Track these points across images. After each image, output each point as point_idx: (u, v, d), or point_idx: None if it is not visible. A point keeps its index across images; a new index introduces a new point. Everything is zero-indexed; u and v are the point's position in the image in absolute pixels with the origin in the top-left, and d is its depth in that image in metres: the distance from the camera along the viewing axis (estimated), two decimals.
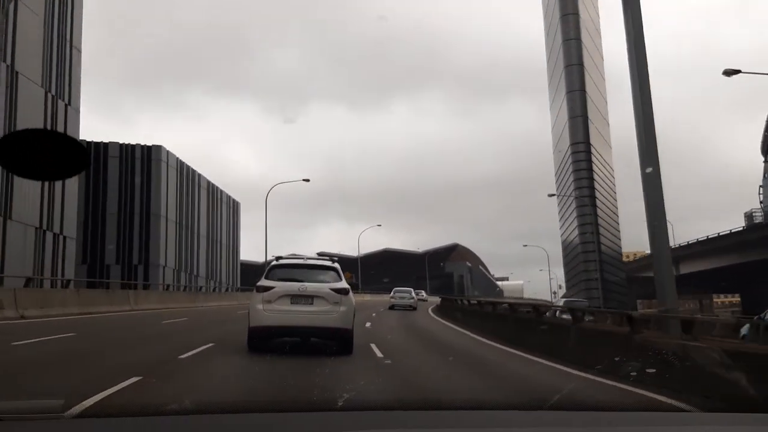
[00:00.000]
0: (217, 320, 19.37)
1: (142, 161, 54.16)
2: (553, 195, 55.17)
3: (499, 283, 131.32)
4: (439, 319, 26.46)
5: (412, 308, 36.41)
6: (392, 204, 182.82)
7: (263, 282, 10.42)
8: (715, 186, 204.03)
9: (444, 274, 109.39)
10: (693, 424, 1.62)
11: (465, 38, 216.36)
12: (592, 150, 79.43)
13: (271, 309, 10.11)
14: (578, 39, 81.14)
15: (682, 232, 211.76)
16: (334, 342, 10.26)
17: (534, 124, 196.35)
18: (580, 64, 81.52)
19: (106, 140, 53.44)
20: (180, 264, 57.81)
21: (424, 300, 51.16)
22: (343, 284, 10.55)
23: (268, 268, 10.87)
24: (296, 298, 10.18)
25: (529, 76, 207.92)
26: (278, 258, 11.15)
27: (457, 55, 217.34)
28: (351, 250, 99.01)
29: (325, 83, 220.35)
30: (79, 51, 43.24)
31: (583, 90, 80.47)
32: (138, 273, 51.64)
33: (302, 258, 11.45)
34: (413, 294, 39.45)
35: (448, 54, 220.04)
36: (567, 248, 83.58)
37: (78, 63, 42.94)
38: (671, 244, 21.72)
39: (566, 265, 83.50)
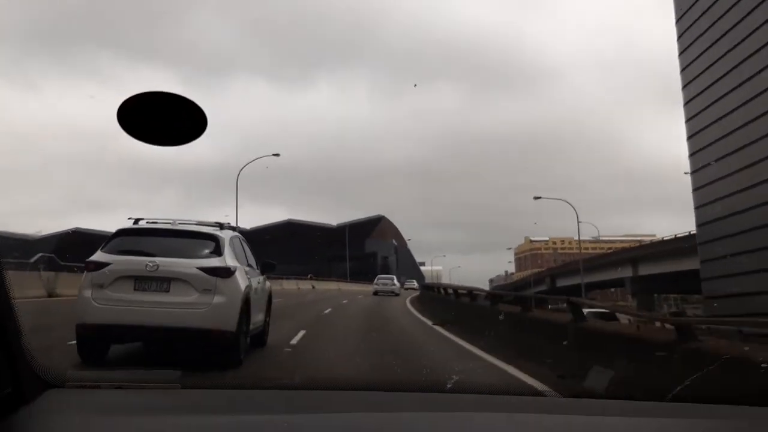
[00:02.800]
0: None
1: None
2: (539, 197, 51.38)
3: (421, 268, 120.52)
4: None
5: (395, 294, 40.44)
6: (312, 185, 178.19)
7: (96, 256, 7.62)
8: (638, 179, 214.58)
9: (365, 254, 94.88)
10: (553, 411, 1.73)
11: (393, 19, 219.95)
12: None
13: (104, 298, 7.35)
14: None
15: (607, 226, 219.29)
16: (209, 350, 7.46)
17: (457, 111, 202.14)
18: None
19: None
20: None
21: (414, 288, 51.76)
22: (224, 261, 7.64)
23: (111, 235, 8.03)
24: (143, 281, 7.43)
25: (458, 62, 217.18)
26: (136, 221, 8.23)
27: (385, 36, 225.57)
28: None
29: (248, 56, 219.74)
30: None
31: None
32: None
33: (171, 222, 8.36)
34: (395, 281, 45.75)
35: (376, 33, 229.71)
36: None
37: None
38: None
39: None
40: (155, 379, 1.79)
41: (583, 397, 2.20)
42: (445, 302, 21.11)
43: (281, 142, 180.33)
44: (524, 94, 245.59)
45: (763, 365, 4.24)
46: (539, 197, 51.55)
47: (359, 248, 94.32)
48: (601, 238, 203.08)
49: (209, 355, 7.33)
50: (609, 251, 79.38)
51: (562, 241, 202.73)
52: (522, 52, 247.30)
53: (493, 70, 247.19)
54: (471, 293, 18.28)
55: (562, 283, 70.00)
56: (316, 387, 2.09)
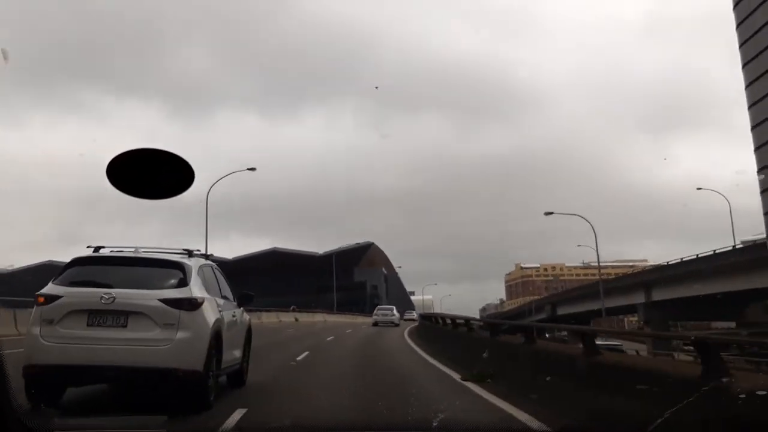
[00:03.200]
0: None
1: None
2: (550, 213, 48.16)
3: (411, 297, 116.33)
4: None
5: (395, 324, 40.23)
6: (299, 216, 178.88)
7: (47, 288, 6.98)
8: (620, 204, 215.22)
9: (354, 284, 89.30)
10: None
11: (381, 48, 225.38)
12: None
13: (53, 335, 6.70)
14: None
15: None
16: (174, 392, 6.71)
17: (444, 139, 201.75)
18: None
19: None
20: None
21: (413, 320, 48.70)
22: (190, 292, 7.01)
23: (65, 265, 7.40)
24: (97, 315, 6.77)
25: (446, 90, 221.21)
26: (96, 249, 7.59)
27: (373, 65, 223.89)
28: None
29: (236, 87, 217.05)
30: None
31: None
32: None
33: (133, 249, 7.72)
34: (395, 312, 45.15)
35: (365, 63, 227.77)
36: None
37: None
38: None
39: None
40: (139, 425, 1.76)
41: None
42: (453, 337, 16.82)
43: (269, 172, 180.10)
44: (512, 120, 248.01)
45: None
46: (551, 212, 48.45)
47: (347, 277, 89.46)
48: (591, 264, 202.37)
49: (174, 397, 6.59)
50: (612, 277, 75.02)
51: (554, 268, 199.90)
52: (510, 78, 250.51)
53: (481, 97, 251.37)
54: (493, 325, 14.22)
55: (564, 310, 65.54)
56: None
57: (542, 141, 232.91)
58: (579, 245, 60.28)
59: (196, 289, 7.10)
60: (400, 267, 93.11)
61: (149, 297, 6.74)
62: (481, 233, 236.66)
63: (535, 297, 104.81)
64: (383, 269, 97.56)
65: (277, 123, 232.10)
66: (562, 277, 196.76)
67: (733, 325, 53.35)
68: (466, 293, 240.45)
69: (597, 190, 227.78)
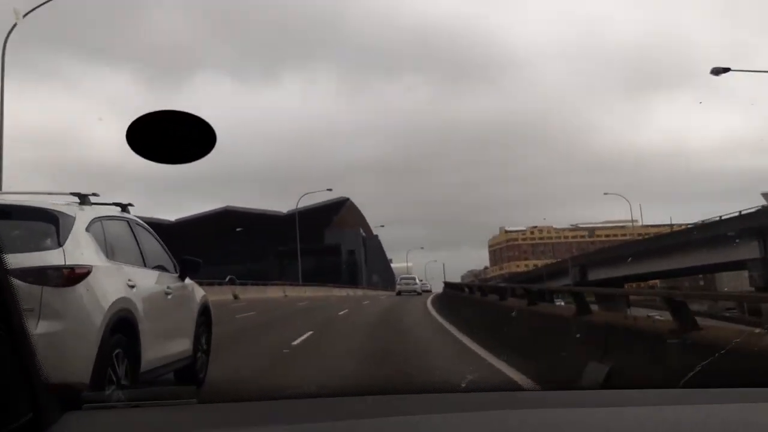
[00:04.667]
0: None
1: None
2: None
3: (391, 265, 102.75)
4: None
5: (417, 293, 42.00)
6: (274, 184, 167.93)
7: None
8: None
9: (325, 249, 72.71)
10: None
11: (359, 11, 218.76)
12: None
13: None
14: None
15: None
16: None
17: (425, 103, 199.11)
18: None
19: None
20: None
21: (428, 291, 44.94)
22: (62, 257, 4.64)
23: None
24: None
25: (425, 54, 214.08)
26: None
27: (351, 29, 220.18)
28: None
29: (212, 52, 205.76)
30: None
31: None
32: None
33: None
34: (417, 281, 49.21)
35: (342, 26, 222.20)
36: None
37: None
38: None
39: None
40: (172, 394, 1.82)
41: (566, 389, 2.16)
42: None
43: (245, 139, 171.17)
44: (493, 84, 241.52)
45: None
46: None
47: (317, 240, 73.45)
48: (579, 225, 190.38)
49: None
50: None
51: (540, 231, 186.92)
52: (490, 42, 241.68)
53: (461, 61, 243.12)
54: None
55: (598, 275, 50.74)
56: (336, 394, 2.04)
57: (523, 104, 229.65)
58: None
59: (77, 251, 4.68)
60: (382, 226, 76.93)
61: None
62: (462, 199, 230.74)
63: (555, 260, 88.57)
64: (361, 230, 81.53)
65: (254, 89, 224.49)
66: (550, 240, 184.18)
67: None
68: (446, 260, 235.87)
69: (576, 152, 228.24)
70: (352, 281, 70.11)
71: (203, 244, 59.50)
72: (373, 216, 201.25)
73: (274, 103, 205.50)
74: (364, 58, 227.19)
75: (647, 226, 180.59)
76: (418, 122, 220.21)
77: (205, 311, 7.17)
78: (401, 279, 48.72)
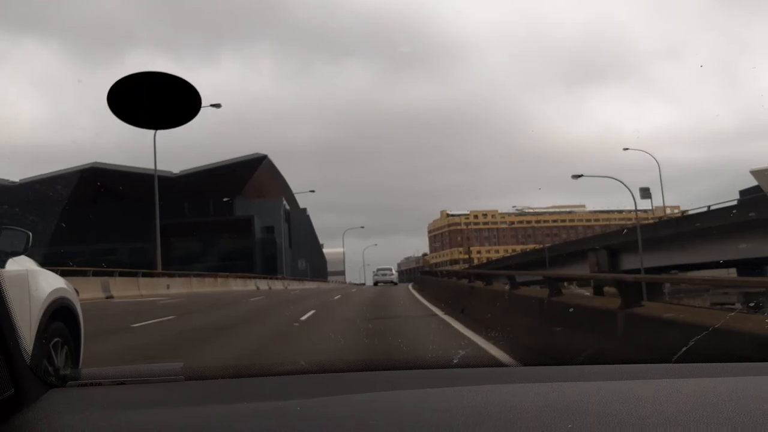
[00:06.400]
0: None
1: None
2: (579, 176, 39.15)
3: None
4: None
5: (394, 283, 41.99)
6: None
7: None
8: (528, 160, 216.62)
9: (232, 223, 52.90)
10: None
11: None
12: None
13: None
14: None
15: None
16: None
17: (367, 89, 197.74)
18: None
19: None
20: None
21: (394, 283, 43.97)
22: None
23: None
24: None
25: (368, 38, 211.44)
26: None
27: (294, 7, 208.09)
28: None
29: (146, 27, 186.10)
30: None
31: None
32: None
33: None
34: (393, 271, 50.41)
35: (285, 4, 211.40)
36: None
37: None
38: None
39: None
40: (158, 372, 1.78)
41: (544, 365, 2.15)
42: None
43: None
44: (436, 72, 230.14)
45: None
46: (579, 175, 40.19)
47: (222, 211, 53.65)
48: (525, 210, 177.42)
49: None
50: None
51: (485, 215, 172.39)
52: (434, 29, 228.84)
53: (404, 47, 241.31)
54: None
55: (633, 263, 34.02)
56: (324, 370, 2.05)
57: (464, 93, 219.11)
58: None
59: None
60: (312, 191, 56.62)
61: None
62: (402, 185, 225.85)
63: (540, 244, 72.25)
64: (284, 202, 61.48)
65: (190, 68, 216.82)
66: (494, 225, 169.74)
67: None
68: (383, 247, 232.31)
69: (515, 142, 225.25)
70: (270, 269, 50.88)
71: (58, 214, 40.25)
72: (311, 202, 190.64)
73: (212, 84, 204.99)
74: (307, 40, 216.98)
75: (595, 211, 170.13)
76: (360, 107, 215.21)
77: (61, 312, 4.63)
78: (378, 270, 49.04)
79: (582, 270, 37.22)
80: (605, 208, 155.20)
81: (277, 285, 41.14)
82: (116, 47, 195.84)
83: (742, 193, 50.33)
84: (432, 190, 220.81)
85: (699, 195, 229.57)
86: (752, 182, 56.13)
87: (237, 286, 32.16)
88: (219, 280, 31.16)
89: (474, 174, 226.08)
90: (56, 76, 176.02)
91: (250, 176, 53.51)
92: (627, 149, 45.51)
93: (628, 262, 34.81)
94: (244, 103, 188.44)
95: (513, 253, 77.08)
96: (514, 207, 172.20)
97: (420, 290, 25.97)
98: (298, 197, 66.26)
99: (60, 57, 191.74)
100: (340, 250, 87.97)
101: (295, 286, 45.00)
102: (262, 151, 57.54)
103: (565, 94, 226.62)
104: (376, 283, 43.12)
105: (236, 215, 54.02)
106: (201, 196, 51.44)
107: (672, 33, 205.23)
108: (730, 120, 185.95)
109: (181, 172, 50.96)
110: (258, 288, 34.32)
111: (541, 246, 64.78)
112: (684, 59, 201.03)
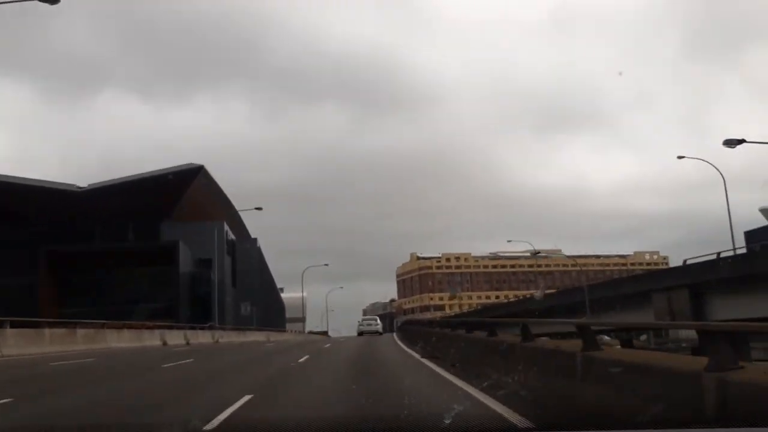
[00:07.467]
0: None
1: None
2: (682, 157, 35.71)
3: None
4: None
5: (379, 333, 42.75)
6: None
7: None
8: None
9: (152, 252, 40.85)
10: None
11: (277, 35, 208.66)
12: None
13: None
14: None
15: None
16: None
17: (340, 132, 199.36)
18: None
19: None
20: None
21: (379, 333, 43.88)
22: None
23: None
24: None
25: (342, 82, 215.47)
26: None
27: (268, 52, 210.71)
28: None
29: (119, 67, 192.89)
30: None
31: None
32: None
33: None
34: (378, 321, 48.86)
35: (259, 48, 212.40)
36: None
37: None
38: None
39: None
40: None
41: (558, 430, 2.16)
42: None
43: (148, 154, 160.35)
44: (408, 117, 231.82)
45: None
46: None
47: (145, 236, 41.47)
48: (499, 254, 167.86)
49: None
50: None
51: (458, 258, 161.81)
52: (409, 75, 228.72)
53: (378, 92, 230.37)
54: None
55: (729, 311, 23.04)
56: None
57: (438, 137, 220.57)
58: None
59: None
60: (259, 209, 43.55)
61: None
62: (370, 229, 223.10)
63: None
64: (226, 227, 47.92)
65: (162, 108, 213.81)
66: (468, 270, 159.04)
67: None
68: (349, 292, 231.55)
69: (488, 188, 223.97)
70: (202, 313, 38.15)
71: None
72: (270, 244, 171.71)
73: (183, 124, 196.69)
74: (281, 82, 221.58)
75: (572, 256, 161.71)
76: (331, 150, 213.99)
77: None
78: (362, 320, 50.12)
79: (639, 318, 26.34)
80: (583, 252, 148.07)
81: (204, 337, 29.36)
82: (87, 86, 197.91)
83: (748, 234, 43.96)
84: (403, 234, 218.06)
85: (664, 243, 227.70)
86: (759, 222, 49.87)
87: (123, 340, 20.39)
88: (85, 331, 19.20)
89: (446, 218, 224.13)
90: (25, 113, 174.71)
91: (181, 193, 41.02)
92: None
93: (722, 308, 23.90)
94: (215, 143, 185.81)
95: (489, 300, 65.79)
96: (490, 253, 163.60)
97: (411, 344, 20.94)
98: (246, 221, 54.58)
99: (31, 96, 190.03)
100: (297, 294, 75.63)
101: (233, 338, 33.25)
102: (228, 190, 45.88)
103: (535, 142, 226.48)
104: (360, 333, 42.67)
105: (162, 244, 41.56)
106: (117, 217, 39.49)
107: (641, 83, 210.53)
108: (694, 169, 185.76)
109: (90, 185, 39.05)
110: (165, 343, 22.61)
111: (530, 294, 53.78)
112: (652, 109, 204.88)
